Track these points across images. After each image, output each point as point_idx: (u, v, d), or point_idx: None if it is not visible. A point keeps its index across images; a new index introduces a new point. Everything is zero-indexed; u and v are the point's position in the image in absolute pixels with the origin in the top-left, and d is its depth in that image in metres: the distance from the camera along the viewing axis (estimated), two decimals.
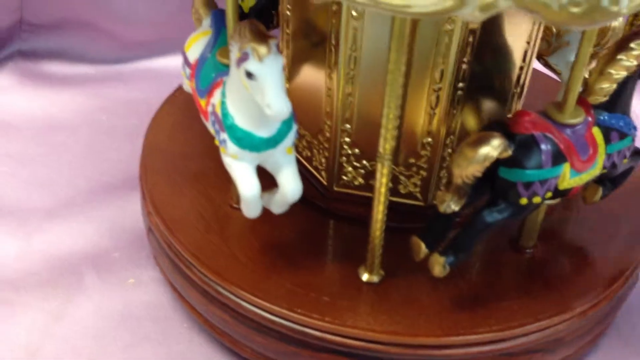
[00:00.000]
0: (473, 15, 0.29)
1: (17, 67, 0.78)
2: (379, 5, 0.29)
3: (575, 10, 0.28)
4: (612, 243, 0.50)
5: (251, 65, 0.37)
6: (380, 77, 0.40)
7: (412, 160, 0.48)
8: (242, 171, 0.42)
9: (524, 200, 0.41)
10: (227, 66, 0.42)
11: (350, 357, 0.43)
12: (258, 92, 0.38)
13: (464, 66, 0.44)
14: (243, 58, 0.38)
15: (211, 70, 0.44)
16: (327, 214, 0.51)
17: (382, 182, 0.41)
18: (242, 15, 0.49)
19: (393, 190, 0.47)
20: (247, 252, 0.47)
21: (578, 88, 0.41)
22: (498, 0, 0.28)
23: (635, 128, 0.45)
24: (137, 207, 0.56)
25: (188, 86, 0.49)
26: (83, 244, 0.57)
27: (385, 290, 0.45)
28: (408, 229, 0.45)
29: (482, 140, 0.39)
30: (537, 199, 0.41)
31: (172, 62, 0.78)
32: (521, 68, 0.47)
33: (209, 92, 0.44)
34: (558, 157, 0.40)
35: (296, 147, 0.51)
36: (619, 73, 0.42)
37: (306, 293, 0.44)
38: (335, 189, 0.51)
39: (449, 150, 0.48)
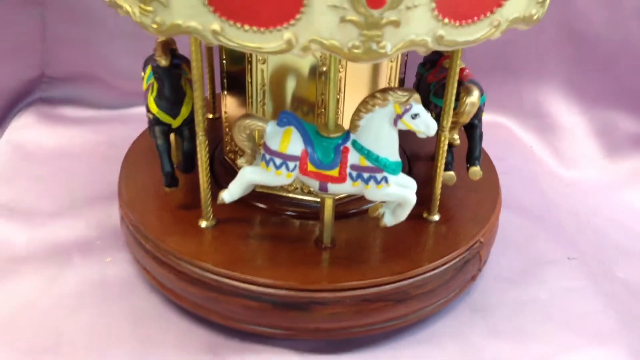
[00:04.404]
0: (299, 54, 0.48)
1: (37, 111, 0.97)
2: (243, 47, 0.48)
3: (357, 51, 0.47)
4: (460, 219, 0.67)
5: (417, 108, 0.54)
6: None
7: None
8: (400, 188, 0.58)
9: (482, 114, 0.65)
10: (338, 137, 0.57)
11: (253, 300, 0.60)
12: (422, 124, 0.55)
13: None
14: (408, 108, 0.54)
15: (327, 147, 0.57)
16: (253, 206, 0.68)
17: None
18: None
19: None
20: (188, 230, 0.64)
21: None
22: (311, 45, 0.47)
23: None
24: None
25: (288, 177, 0.58)
26: (75, 235, 0.75)
27: (283, 254, 0.62)
28: None
29: (469, 93, 0.61)
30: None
31: None
32: None
33: (341, 161, 0.57)
34: None
35: (229, 158, 0.70)
36: None
37: (225, 254, 0.61)
38: None
39: None
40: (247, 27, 0.47)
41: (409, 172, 0.73)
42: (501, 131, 0.99)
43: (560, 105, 1.00)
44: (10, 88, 0.96)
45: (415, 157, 0.76)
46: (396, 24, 0.46)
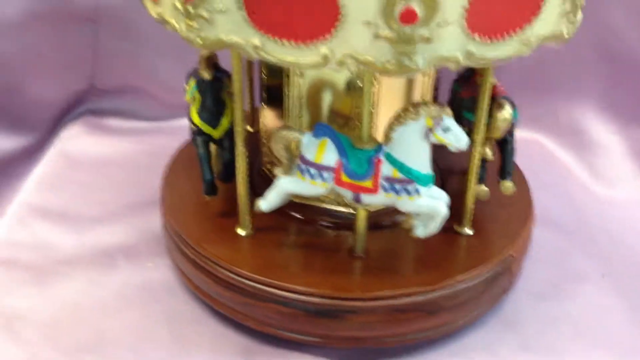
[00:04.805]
0: (335, 68, 0.50)
1: (87, 121, 1.01)
2: (282, 61, 0.50)
3: (390, 66, 0.49)
4: (492, 233, 0.68)
5: (448, 122, 0.57)
6: None
7: None
8: (431, 200, 0.60)
9: (515, 130, 0.67)
10: (371, 149, 0.58)
11: (286, 306, 0.62)
12: (453, 137, 0.57)
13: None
14: (438, 122, 0.56)
15: (360, 158, 0.58)
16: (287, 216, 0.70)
17: None
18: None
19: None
20: (226, 237, 0.66)
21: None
22: (347, 60, 0.49)
23: None
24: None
25: (322, 187, 0.60)
26: (119, 240, 0.78)
27: (317, 262, 0.64)
28: None
29: (502, 107, 0.64)
30: None
31: None
32: None
33: (373, 172, 0.58)
34: None
35: (266, 168, 0.73)
36: None
37: (261, 261, 0.64)
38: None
39: None
40: (285, 42, 0.49)
41: (442, 185, 0.75)
42: (537, 148, 1.00)
43: (596, 123, 1.00)
44: (62, 100, 1.00)
45: (449, 171, 0.77)
46: (428, 40, 0.48)
